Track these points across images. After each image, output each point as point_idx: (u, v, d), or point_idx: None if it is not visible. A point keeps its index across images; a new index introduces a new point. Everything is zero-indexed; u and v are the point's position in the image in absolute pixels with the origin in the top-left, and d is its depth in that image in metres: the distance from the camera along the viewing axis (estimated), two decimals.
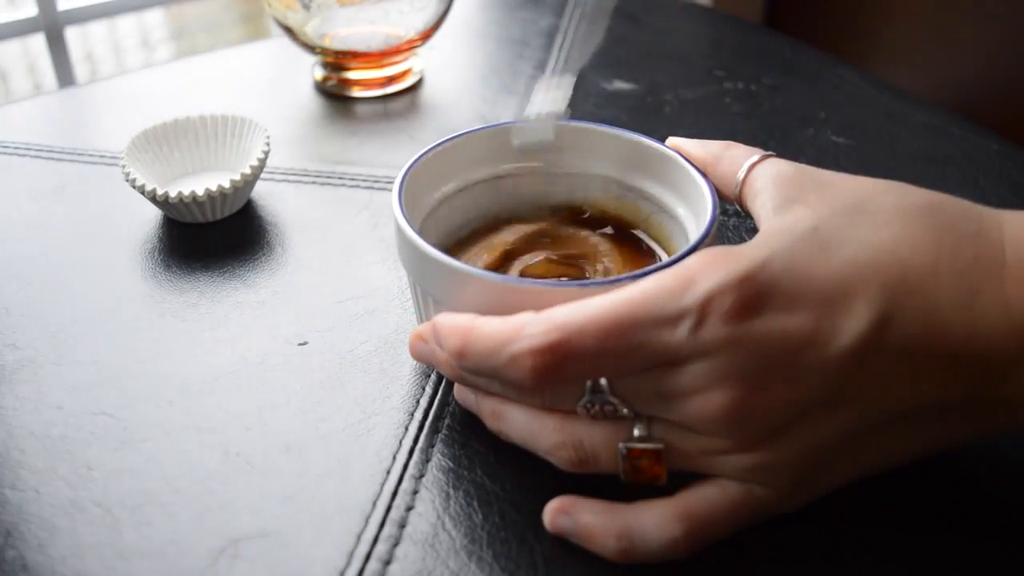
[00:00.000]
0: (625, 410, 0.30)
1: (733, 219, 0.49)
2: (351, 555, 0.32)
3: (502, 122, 0.41)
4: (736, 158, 0.35)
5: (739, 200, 0.35)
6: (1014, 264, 0.28)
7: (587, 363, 0.28)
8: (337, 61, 0.63)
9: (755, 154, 0.35)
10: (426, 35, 0.63)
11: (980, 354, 0.27)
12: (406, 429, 0.36)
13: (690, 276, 0.28)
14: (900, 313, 0.27)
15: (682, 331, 0.27)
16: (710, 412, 0.28)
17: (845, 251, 0.29)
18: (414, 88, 0.65)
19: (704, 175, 0.37)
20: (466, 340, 0.30)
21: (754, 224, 0.34)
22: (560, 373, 0.28)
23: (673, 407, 0.29)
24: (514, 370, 0.29)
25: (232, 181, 0.47)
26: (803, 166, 0.33)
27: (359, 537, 0.32)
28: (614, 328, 0.28)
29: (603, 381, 0.29)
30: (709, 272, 0.28)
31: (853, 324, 0.27)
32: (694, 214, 0.38)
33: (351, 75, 0.63)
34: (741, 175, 0.35)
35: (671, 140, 0.39)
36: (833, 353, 0.27)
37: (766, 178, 0.33)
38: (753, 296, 0.27)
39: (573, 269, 0.41)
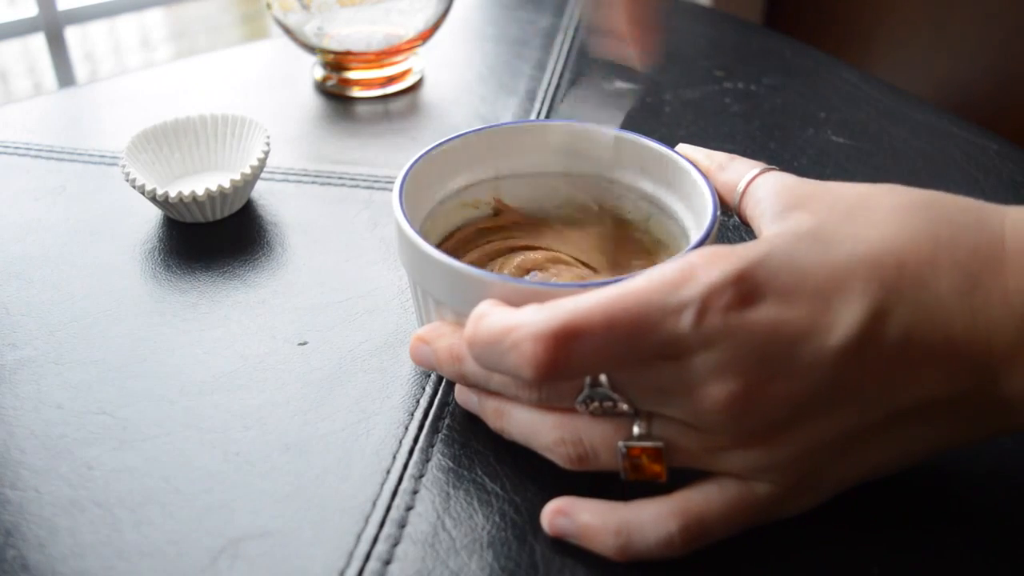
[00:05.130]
0: (624, 406, 0.30)
1: (733, 219, 0.49)
2: (351, 555, 0.32)
3: (502, 122, 0.41)
4: (738, 169, 0.36)
5: (739, 210, 0.35)
6: (1014, 255, 0.28)
7: (590, 353, 0.28)
8: (337, 61, 0.63)
9: (757, 167, 0.35)
10: (426, 35, 0.63)
11: (980, 346, 0.27)
12: (406, 429, 0.36)
13: (691, 269, 0.28)
14: (898, 305, 0.28)
15: (684, 322, 0.27)
16: (709, 405, 0.28)
17: (843, 247, 0.29)
18: (414, 88, 0.65)
19: (705, 176, 0.37)
20: (476, 327, 0.30)
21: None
22: (562, 363, 0.28)
23: (673, 402, 0.29)
24: (515, 357, 0.28)
25: (232, 181, 0.47)
26: (803, 178, 0.34)
27: (359, 537, 0.32)
28: (620, 315, 0.27)
29: (602, 377, 0.29)
30: (710, 266, 0.28)
31: (850, 317, 0.27)
32: (694, 214, 0.38)
33: (351, 75, 0.63)
34: (742, 186, 0.35)
35: (680, 147, 0.39)
36: (830, 345, 0.27)
37: (767, 188, 0.34)
38: (752, 289, 0.28)
39: (573, 269, 0.41)
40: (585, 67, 0.67)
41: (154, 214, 0.50)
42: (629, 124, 0.41)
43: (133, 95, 0.64)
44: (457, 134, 0.41)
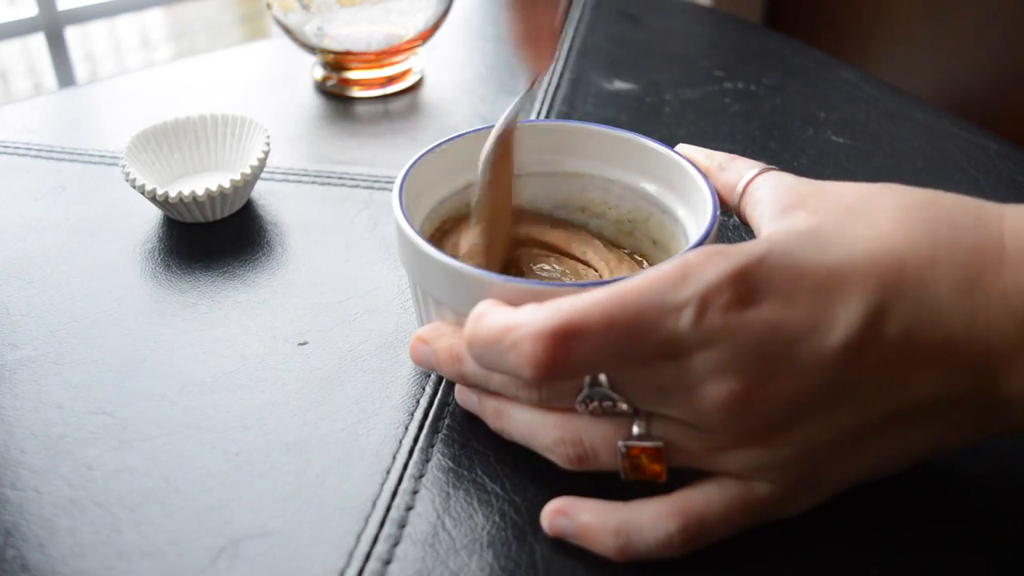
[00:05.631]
0: (624, 406, 0.30)
1: (733, 219, 0.49)
2: (351, 555, 0.32)
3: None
4: (738, 169, 0.36)
5: (739, 210, 0.36)
6: (1013, 254, 0.28)
7: (589, 352, 0.28)
8: (337, 61, 0.63)
9: (757, 167, 0.35)
10: (426, 35, 0.63)
11: (980, 345, 0.27)
12: (406, 429, 0.36)
13: (690, 269, 0.28)
14: (898, 304, 0.28)
15: (684, 321, 0.27)
16: (709, 404, 0.28)
17: (843, 247, 0.29)
18: (414, 88, 0.65)
19: (705, 176, 0.37)
20: (476, 327, 0.30)
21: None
22: (561, 362, 0.28)
23: (673, 401, 0.29)
24: (515, 357, 0.28)
25: (232, 181, 0.47)
26: (803, 178, 0.34)
27: (359, 537, 0.32)
28: (619, 314, 0.27)
29: (602, 376, 0.29)
30: (709, 265, 0.28)
31: (849, 316, 0.27)
32: (694, 214, 0.38)
33: (351, 75, 0.63)
34: (741, 186, 0.35)
35: (681, 147, 0.39)
36: (830, 345, 0.27)
37: (766, 188, 0.34)
38: (751, 288, 0.28)
39: (573, 270, 0.41)
40: (586, 70, 0.67)
41: (154, 214, 0.50)
42: (629, 124, 0.41)
43: (133, 95, 0.64)
44: (457, 134, 0.41)
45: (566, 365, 0.28)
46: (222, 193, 0.47)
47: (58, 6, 0.85)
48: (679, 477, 0.31)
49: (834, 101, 0.62)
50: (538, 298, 0.30)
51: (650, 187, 0.41)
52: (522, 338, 0.28)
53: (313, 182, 0.53)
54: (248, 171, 0.48)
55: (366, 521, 0.33)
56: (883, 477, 0.31)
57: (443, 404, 0.38)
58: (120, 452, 0.35)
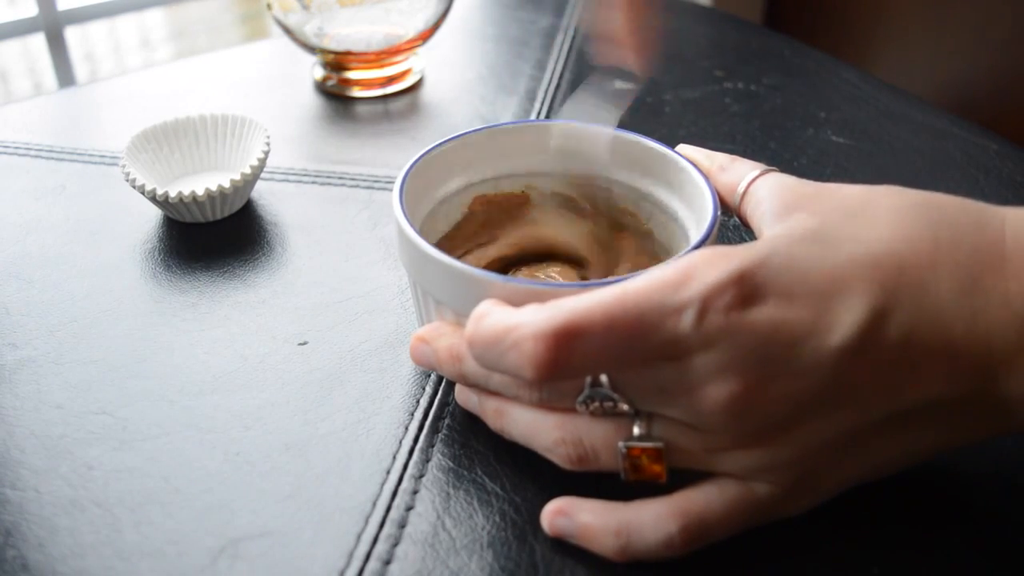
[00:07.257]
0: (625, 406, 0.30)
1: (733, 219, 0.49)
2: (351, 555, 0.32)
3: (502, 122, 0.41)
4: (739, 171, 0.36)
5: (740, 211, 0.36)
6: (1015, 256, 0.28)
7: (590, 353, 0.28)
8: (337, 61, 0.63)
9: (758, 168, 0.35)
10: (426, 35, 0.63)
11: (981, 347, 0.27)
12: (406, 429, 0.36)
13: (691, 270, 0.28)
14: (898, 307, 0.28)
15: (684, 322, 0.27)
16: (710, 405, 0.28)
17: (844, 249, 0.29)
18: (414, 88, 0.65)
19: (705, 176, 0.37)
20: (477, 326, 0.30)
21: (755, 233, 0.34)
22: (562, 363, 0.28)
23: (673, 402, 0.29)
24: (516, 356, 0.28)
25: (232, 181, 0.47)
26: (804, 180, 0.34)
27: (359, 537, 0.32)
28: (621, 315, 0.27)
29: (603, 377, 0.29)
30: (710, 266, 0.28)
31: (850, 317, 0.27)
32: (694, 215, 0.38)
33: (351, 75, 0.63)
34: (742, 187, 0.35)
35: (681, 147, 0.39)
36: (830, 346, 0.27)
37: (767, 189, 0.34)
38: (752, 290, 0.28)
39: (573, 270, 0.41)
40: (585, 69, 0.67)
41: (154, 214, 0.50)
42: (629, 124, 0.41)
43: (133, 95, 0.64)
44: (457, 134, 0.41)
45: (567, 365, 0.28)
46: (222, 193, 0.47)
47: (58, 6, 0.85)
48: (679, 477, 0.31)
49: (834, 101, 0.62)
50: (539, 298, 0.30)
51: (650, 187, 0.41)
52: (523, 338, 0.28)
53: (313, 182, 0.53)
54: (248, 171, 0.48)
55: (366, 521, 0.33)
56: (883, 477, 0.31)
57: (443, 404, 0.38)
58: (120, 452, 0.35)
